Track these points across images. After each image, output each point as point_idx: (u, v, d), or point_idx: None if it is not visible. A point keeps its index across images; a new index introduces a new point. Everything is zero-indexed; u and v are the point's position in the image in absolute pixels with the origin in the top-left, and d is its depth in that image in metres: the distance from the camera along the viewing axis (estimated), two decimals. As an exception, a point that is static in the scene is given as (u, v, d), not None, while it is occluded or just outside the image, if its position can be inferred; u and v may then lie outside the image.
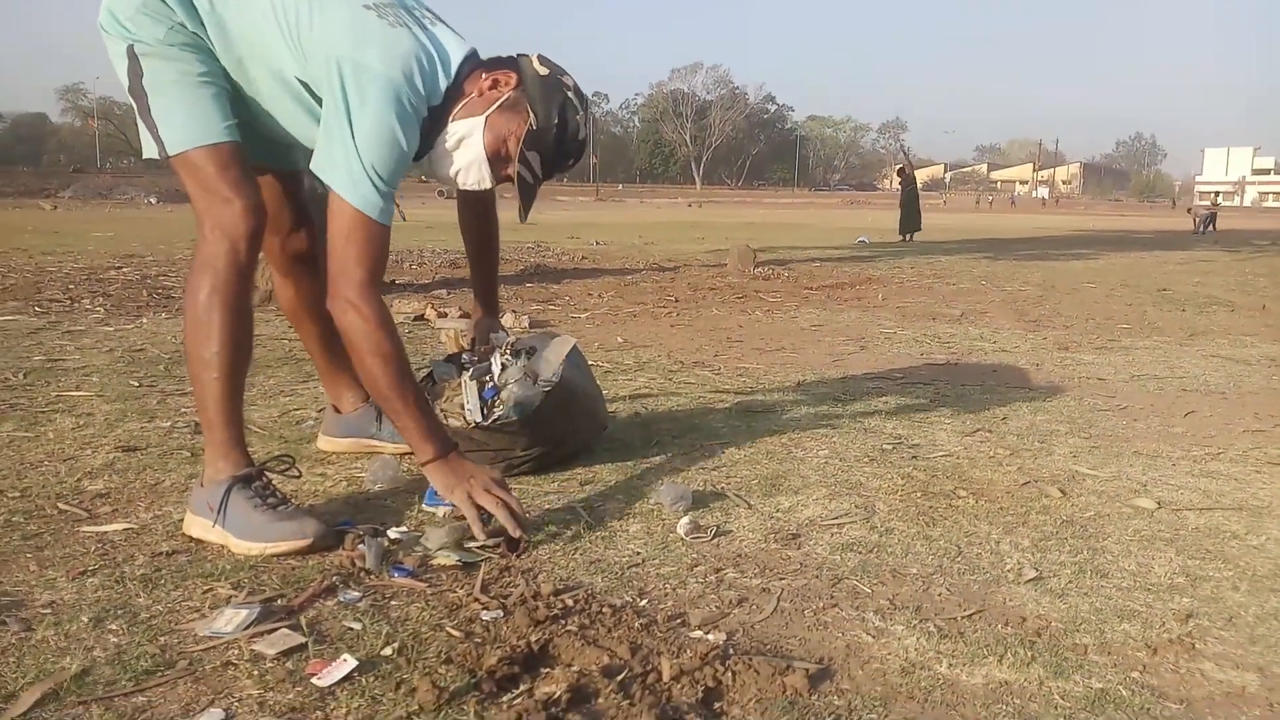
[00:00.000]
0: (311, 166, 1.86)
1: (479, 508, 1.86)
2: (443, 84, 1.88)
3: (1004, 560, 1.91)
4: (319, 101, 1.84)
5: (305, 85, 1.86)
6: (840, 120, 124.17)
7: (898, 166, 20.18)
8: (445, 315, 5.28)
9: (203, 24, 1.87)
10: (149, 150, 1.92)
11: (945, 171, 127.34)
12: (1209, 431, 3.05)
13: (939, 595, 1.74)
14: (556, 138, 1.92)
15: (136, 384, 3.32)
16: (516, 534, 1.84)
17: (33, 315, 4.95)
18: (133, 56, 1.86)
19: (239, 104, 1.94)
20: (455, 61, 1.91)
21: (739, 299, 6.72)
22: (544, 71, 1.93)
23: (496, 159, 1.92)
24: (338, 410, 2.51)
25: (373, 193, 1.80)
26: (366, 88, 1.76)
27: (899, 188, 18.95)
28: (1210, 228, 23.84)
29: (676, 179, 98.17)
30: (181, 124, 1.87)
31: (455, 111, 1.90)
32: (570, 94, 1.93)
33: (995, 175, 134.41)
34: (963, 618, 1.64)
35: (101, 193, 36.78)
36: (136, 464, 2.38)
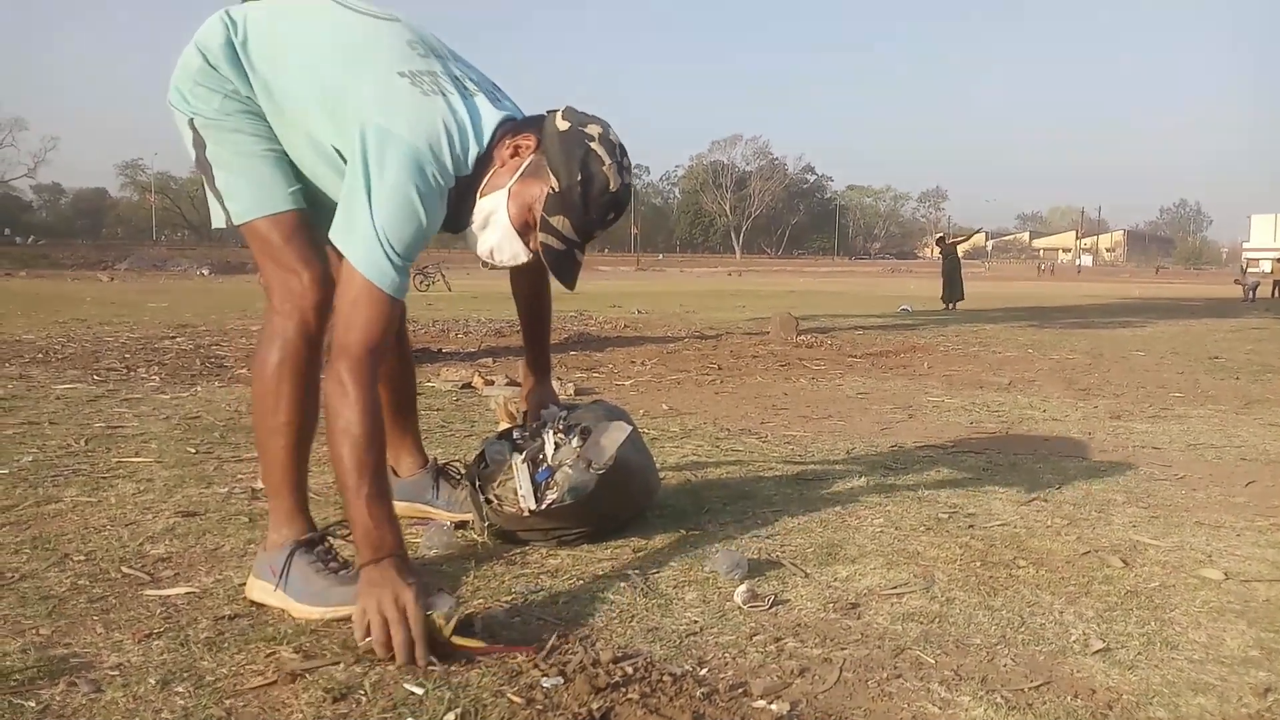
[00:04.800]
0: (330, 233, 1.79)
1: (381, 625, 1.65)
2: (473, 153, 1.82)
3: (1069, 631, 1.87)
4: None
5: (339, 153, 1.84)
6: (880, 189, 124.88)
7: (938, 236, 20.18)
8: (492, 383, 5.33)
9: (252, 87, 1.89)
10: (218, 220, 1.96)
11: (987, 239, 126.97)
12: (1273, 501, 2.98)
13: (1004, 666, 1.70)
14: (582, 195, 1.80)
15: (194, 450, 3.38)
16: (382, 655, 1.63)
17: (92, 384, 5.07)
18: (195, 130, 1.91)
19: (294, 157, 1.94)
20: (489, 129, 1.84)
21: (783, 366, 6.71)
22: (564, 126, 1.82)
23: (526, 230, 1.85)
24: (396, 474, 2.53)
25: (386, 264, 1.72)
26: (388, 156, 1.71)
27: (939, 256, 18.94)
28: (1253, 296, 23.53)
29: (716, 248, 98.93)
30: (245, 195, 1.91)
31: (482, 186, 1.84)
32: (595, 144, 1.81)
33: (1037, 243, 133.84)
34: (1030, 689, 1.61)
35: (156, 264, 37.84)
36: (196, 529, 2.42)
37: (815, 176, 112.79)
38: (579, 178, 1.79)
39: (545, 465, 2.35)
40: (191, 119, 1.91)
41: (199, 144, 1.92)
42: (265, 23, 1.91)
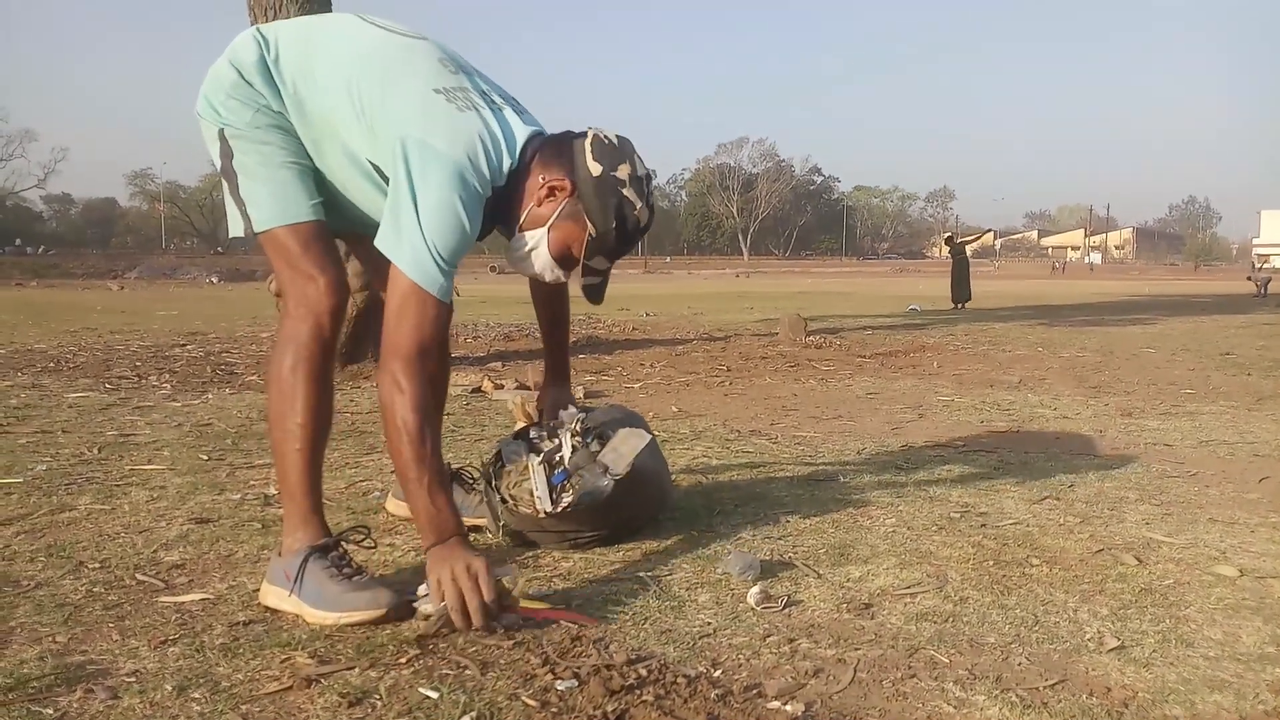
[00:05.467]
0: (375, 242, 1.87)
1: (456, 593, 1.76)
2: (507, 165, 1.92)
3: (1083, 629, 1.87)
4: (387, 181, 1.88)
5: (375, 166, 1.92)
6: (887, 190, 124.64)
7: (945, 235, 20.10)
8: (502, 387, 5.34)
9: (283, 102, 1.95)
10: (235, 228, 1.99)
11: (995, 239, 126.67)
12: (1287, 497, 2.97)
13: (1019, 665, 1.70)
14: (617, 237, 1.96)
15: (206, 457, 3.39)
16: (459, 623, 1.74)
17: (104, 392, 5.10)
18: (224, 139, 1.95)
19: (326, 172, 2.00)
20: (519, 143, 1.94)
21: (792, 367, 6.71)
22: (597, 171, 1.92)
23: (564, 260, 2.00)
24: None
25: (434, 269, 1.81)
26: (430, 167, 1.80)
27: (949, 256, 18.88)
28: (1265, 292, 23.39)
29: (724, 250, 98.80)
30: (268, 204, 1.94)
31: (522, 221, 1.97)
32: (627, 190, 1.93)
33: (1046, 242, 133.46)
34: (1045, 688, 1.61)
35: (166, 273, 38.01)
36: (210, 535, 2.43)
37: (823, 178, 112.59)
38: (613, 225, 1.94)
39: (562, 468, 2.35)
40: (222, 129, 1.96)
41: (226, 153, 1.96)
42: (297, 41, 1.98)
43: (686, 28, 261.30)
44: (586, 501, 2.29)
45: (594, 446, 2.37)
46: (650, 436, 2.38)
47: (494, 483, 2.38)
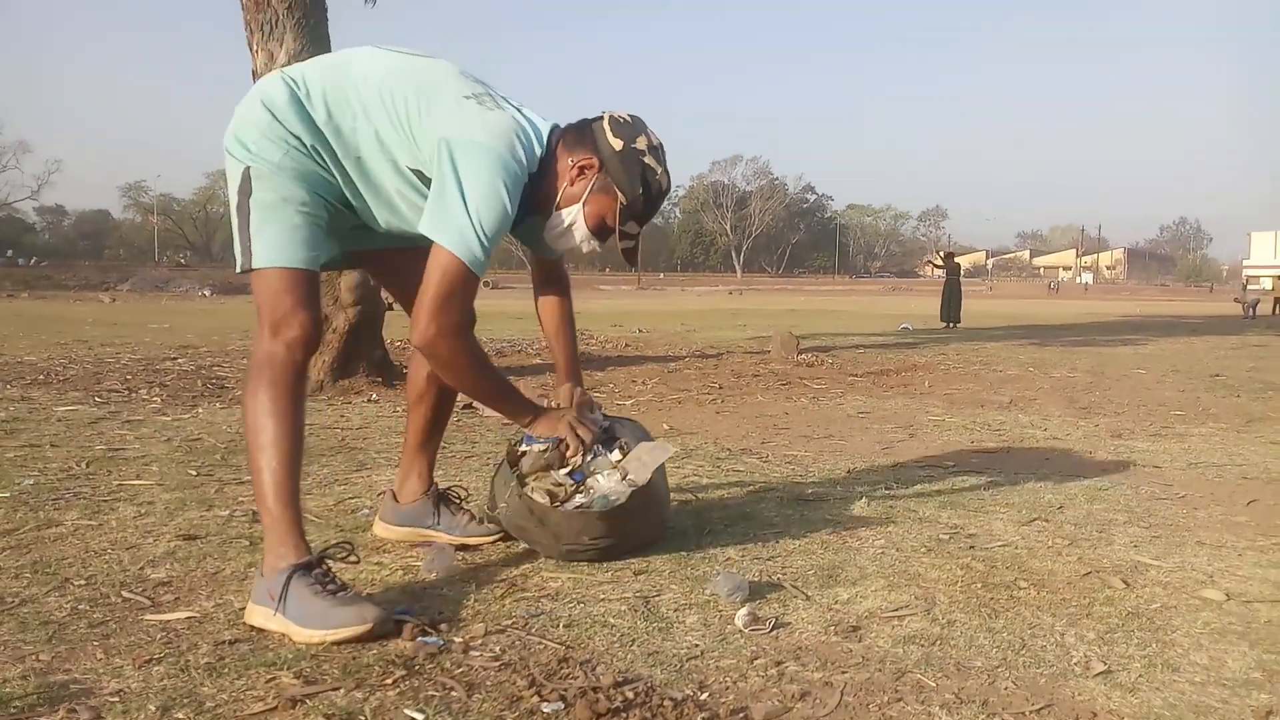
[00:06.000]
0: (419, 227, 2.03)
1: (576, 437, 2.30)
2: (538, 153, 2.12)
3: (1070, 653, 1.87)
4: (428, 185, 2.04)
5: (416, 172, 2.07)
6: (880, 209, 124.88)
7: (945, 252, 20.06)
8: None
9: (320, 132, 2.05)
10: (240, 262, 2.05)
11: (988, 258, 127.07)
12: (1274, 520, 2.98)
13: (1005, 689, 1.70)
14: (644, 201, 2.19)
15: (194, 473, 3.38)
16: (577, 447, 2.31)
17: (93, 405, 5.08)
18: (247, 177, 2.03)
19: (364, 189, 2.12)
20: (544, 134, 2.16)
21: (783, 386, 6.72)
22: (618, 145, 2.16)
23: (600, 230, 2.21)
24: (396, 500, 2.55)
25: (478, 246, 1.98)
26: (475, 158, 1.98)
27: (943, 274, 18.87)
28: (1254, 313, 23.52)
29: (717, 267, 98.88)
30: (274, 242, 2.02)
31: (558, 199, 2.18)
32: (647, 158, 2.17)
33: (1038, 261, 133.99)
34: (1031, 712, 1.61)
35: (158, 285, 37.93)
36: (197, 552, 2.42)
37: (815, 196, 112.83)
38: (640, 191, 2.17)
39: (579, 469, 2.36)
40: (248, 167, 2.03)
41: (245, 190, 2.04)
42: (326, 73, 2.11)
43: (680, 46, 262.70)
44: (600, 506, 2.28)
45: (615, 455, 2.39)
46: (672, 451, 2.40)
47: (512, 469, 2.40)
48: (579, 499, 2.31)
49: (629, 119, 2.21)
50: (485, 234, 1.98)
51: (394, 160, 2.08)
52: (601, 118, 2.20)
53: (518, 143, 2.05)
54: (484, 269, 2.04)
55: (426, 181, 2.05)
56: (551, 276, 2.53)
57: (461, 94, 2.07)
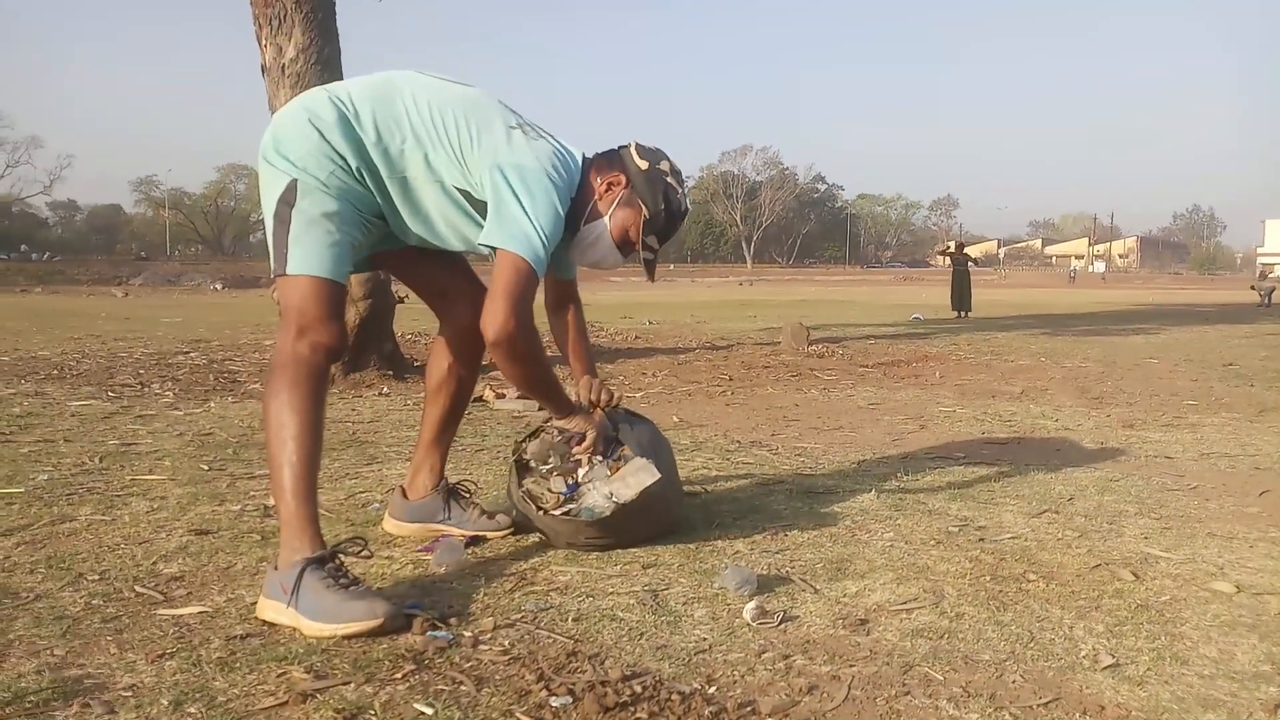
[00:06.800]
0: (481, 240, 2.16)
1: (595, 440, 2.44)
2: (576, 179, 2.31)
3: (1079, 646, 1.87)
4: (473, 205, 2.20)
5: (464, 193, 2.20)
6: (891, 198, 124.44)
7: (955, 242, 19.93)
8: (504, 396, 5.34)
9: (366, 154, 2.13)
10: (277, 268, 2.10)
11: (1000, 247, 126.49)
12: (1286, 512, 2.97)
13: (1013, 682, 1.70)
14: (666, 218, 2.36)
15: (207, 468, 3.40)
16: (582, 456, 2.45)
17: (106, 400, 5.12)
18: (293, 189, 2.08)
19: (402, 206, 2.22)
20: (579, 160, 2.35)
21: (794, 377, 6.72)
22: (644, 166, 2.36)
23: (624, 243, 2.36)
24: (405, 495, 2.57)
25: (539, 244, 2.12)
26: (529, 177, 2.15)
27: (951, 264, 18.78)
28: (1269, 301, 23.34)
29: (727, 258, 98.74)
30: (312, 252, 2.08)
31: (587, 214, 2.34)
32: (669, 178, 2.36)
33: (1050, 250, 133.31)
34: (1039, 706, 1.61)
35: (170, 279, 38.11)
36: (209, 547, 2.43)
37: (826, 186, 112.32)
38: (662, 206, 2.35)
39: (574, 481, 2.44)
40: (296, 180, 2.09)
41: (288, 200, 2.09)
42: (373, 97, 2.19)
43: (690, 38, 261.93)
44: (585, 517, 2.37)
45: (619, 460, 2.47)
46: (659, 476, 2.42)
47: (520, 476, 2.51)
48: (568, 508, 2.40)
49: (653, 148, 2.41)
50: (546, 236, 2.13)
51: (440, 181, 2.19)
52: (629, 145, 2.40)
53: (560, 165, 2.23)
54: (544, 269, 2.16)
55: (472, 201, 2.20)
56: (565, 295, 2.63)
57: (509, 124, 2.23)
